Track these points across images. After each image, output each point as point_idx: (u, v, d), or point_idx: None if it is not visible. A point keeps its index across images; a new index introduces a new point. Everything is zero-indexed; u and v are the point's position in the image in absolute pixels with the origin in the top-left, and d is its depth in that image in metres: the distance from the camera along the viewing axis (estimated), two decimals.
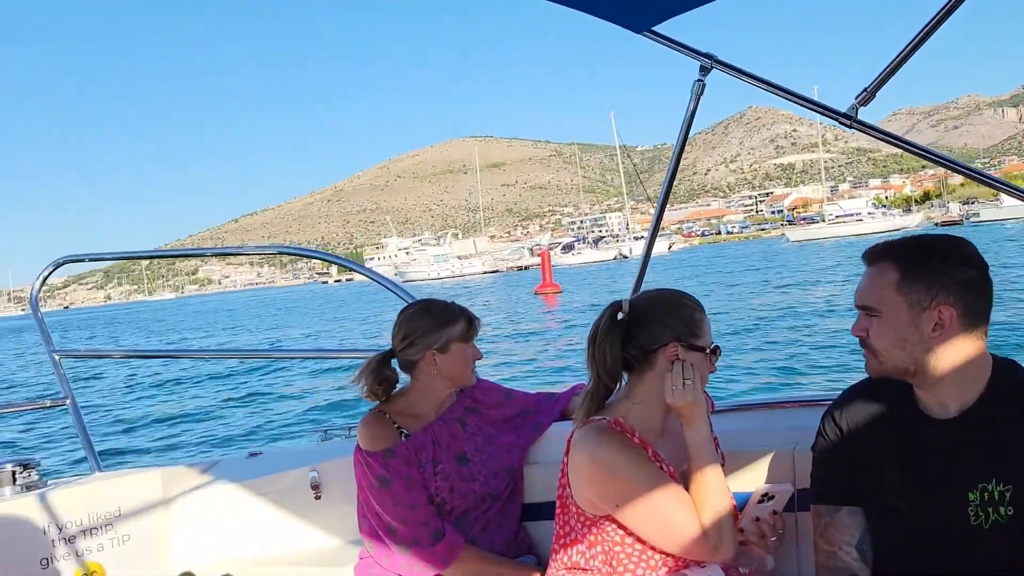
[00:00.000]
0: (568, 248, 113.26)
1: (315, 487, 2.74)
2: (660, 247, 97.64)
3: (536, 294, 39.91)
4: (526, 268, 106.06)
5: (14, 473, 2.71)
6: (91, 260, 3.55)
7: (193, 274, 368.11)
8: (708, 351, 1.89)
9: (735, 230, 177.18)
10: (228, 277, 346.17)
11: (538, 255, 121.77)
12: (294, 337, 32.15)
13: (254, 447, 4.65)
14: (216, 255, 3.48)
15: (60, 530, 2.59)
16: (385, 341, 2.47)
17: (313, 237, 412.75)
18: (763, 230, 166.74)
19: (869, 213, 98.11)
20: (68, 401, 3.16)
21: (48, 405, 3.30)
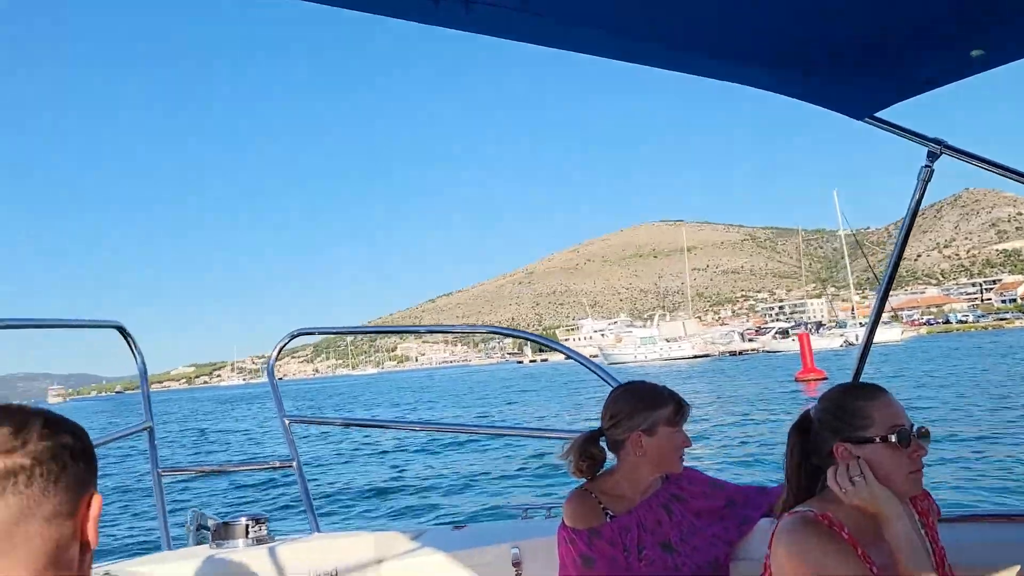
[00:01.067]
0: (783, 333, 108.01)
1: (516, 564, 2.77)
2: (890, 335, 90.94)
3: (797, 381, 37.03)
4: (740, 353, 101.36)
5: (247, 527, 2.96)
6: (320, 333, 3.86)
7: (392, 351, 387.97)
8: (883, 439, 1.70)
9: (968, 319, 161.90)
10: (424, 355, 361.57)
11: (750, 338, 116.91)
12: (499, 414, 32.95)
13: (458, 520, 4.79)
14: (430, 332, 3.68)
15: None
16: (578, 423, 2.49)
17: (504, 318, 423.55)
18: (1003, 319, 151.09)
19: None
20: (294, 463, 3.42)
21: (277, 466, 3.58)
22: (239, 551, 2.86)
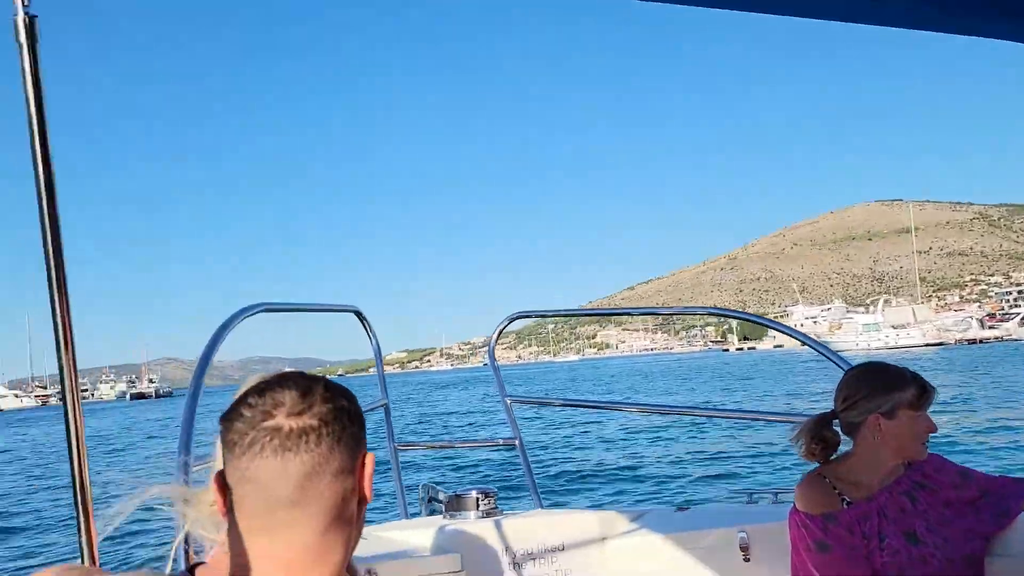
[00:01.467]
0: None
1: (744, 548, 2.74)
2: None
3: None
4: (980, 342, 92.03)
5: (478, 500, 3.13)
6: (536, 316, 4.02)
7: (592, 338, 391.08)
8: None
9: None
10: (624, 342, 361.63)
11: (991, 325, 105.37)
12: (716, 400, 32.55)
13: (681, 502, 4.80)
14: (645, 314, 3.73)
15: (513, 556, 2.90)
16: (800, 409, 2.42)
17: (704, 305, 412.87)
18: None
19: None
20: (516, 441, 3.57)
21: (500, 444, 3.76)
22: (471, 522, 3.02)
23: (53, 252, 1.39)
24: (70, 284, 1.40)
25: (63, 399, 1.41)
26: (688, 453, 15.40)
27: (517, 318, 3.82)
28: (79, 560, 1.36)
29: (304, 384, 1.03)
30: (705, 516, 3.05)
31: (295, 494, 0.97)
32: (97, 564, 1.37)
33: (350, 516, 1.04)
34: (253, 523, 0.99)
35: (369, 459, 1.06)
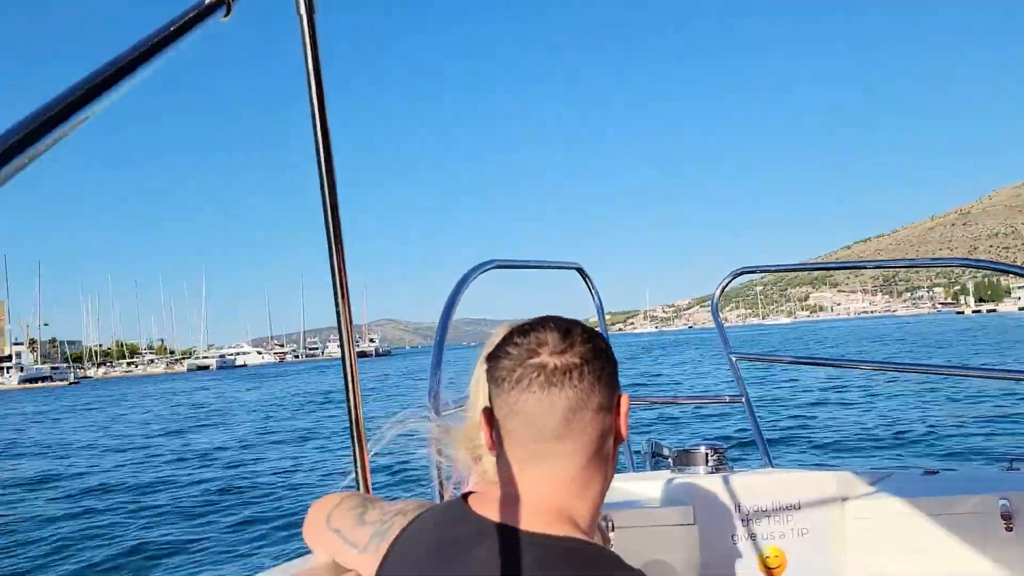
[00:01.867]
0: None
1: (1006, 517, 2.53)
2: None
3: None
4: None
5: (706, 455, 3.10)
6: (761, 271, 3.87)
7: (804, 300, 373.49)
8: None
9: None
10: (839, 304, 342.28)
11: None
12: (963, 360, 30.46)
13: (929, 466, 4.51)
14: (880, 267, 3.47)
15: (745, 512, 2.85)
16: None
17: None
18: None
19: None
20: (743, 399, 3.49)
21: (727, 400, 3.70)
22: (700, 477, 2.99)
23: (331, 213, 1.50)
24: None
25: (340, 345, 1.57)
26: (933, 416, 14.36)
27: (741, 273, 3.70)
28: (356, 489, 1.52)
29: (564, 326, 1.09)
30: (958, 481, 2.84)
31: (560, 428, 1.03)
32: (370, 492, 1.52)
33: (607, 453, 1.09)
34: (521, 454, 1.05)
35: (624, 400, 1.11)
